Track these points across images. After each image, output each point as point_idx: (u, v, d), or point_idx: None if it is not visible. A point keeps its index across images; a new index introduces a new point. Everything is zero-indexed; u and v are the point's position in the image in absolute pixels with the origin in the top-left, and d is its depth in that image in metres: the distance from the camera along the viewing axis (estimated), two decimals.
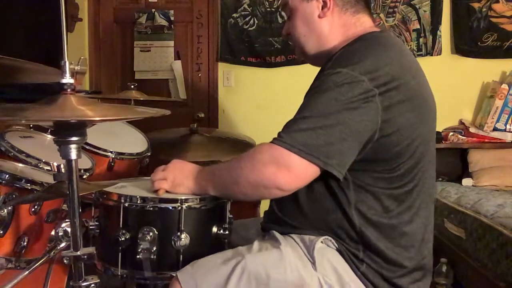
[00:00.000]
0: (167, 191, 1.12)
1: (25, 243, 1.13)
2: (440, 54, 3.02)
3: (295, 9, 1.16)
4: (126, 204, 1.08)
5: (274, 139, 0.98)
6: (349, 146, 0.95)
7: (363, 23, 1.13)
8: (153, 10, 3.11)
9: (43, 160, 1.30)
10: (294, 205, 1.08)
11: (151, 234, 1.04)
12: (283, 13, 2.94)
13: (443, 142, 2.87)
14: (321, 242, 1.04)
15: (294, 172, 0.96)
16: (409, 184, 1.04)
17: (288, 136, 0.95)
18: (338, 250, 1.04)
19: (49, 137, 1.51)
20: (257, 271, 0.98)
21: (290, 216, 1.10)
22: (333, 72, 0.97)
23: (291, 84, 2.95)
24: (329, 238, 1.05)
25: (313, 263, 1.01)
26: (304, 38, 1.16)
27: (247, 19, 3.06)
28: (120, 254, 1.07)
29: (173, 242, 1.05)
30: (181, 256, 1.07)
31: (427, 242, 1.10)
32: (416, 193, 1.05)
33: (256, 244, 1.06)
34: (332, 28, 1.13)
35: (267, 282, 0.98)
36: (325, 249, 1.04)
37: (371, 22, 1.15)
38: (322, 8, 1.12)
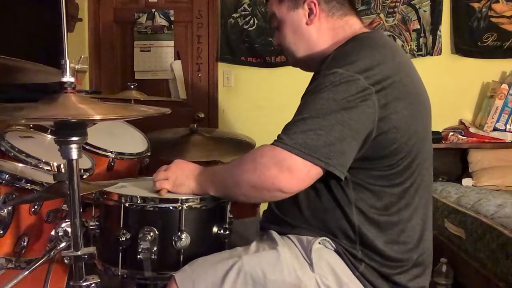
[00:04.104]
0: (169, 191, 1.12)
1: (25, 243, 1.13)
2: (440, 54, 3.01)
3: (283, 19, 1.18)
4: (127, 204, 1.08)
5: (275, 141, 0.98)
6: (349, 145, 0.96)
7: (352, 25, 1.15)
8: (153, 10, 3.11)
9: (43, 160, 1.30)
10: (293, 204, 1.08)
11: (151, 234, 1.04)
12: None
13: (443, 142, 2.87)
14: (319, 243, 1.04)
15: (297, 174, 0.95)
16: (407, 181, 1.04)
17: (289, 138, 0.95)
18: (336, 251, 1.04)
19: (49, 137, 1.51)
20: (254, 272, 0.98)
21: (289, 215, 1.10)
22: (328, 72, 0.98)
23: (291, 84, 2.93)
24: (327, 239, 1.05)
25: (311, 264, 1.01)
26: (294, 46, 1.18)
27: (247, 19, 3.06)
28: (120, 254, 1.07)
29: (173, 242, 1.05)
30: (181, 256, 1.07)
31: (426, 238, 1.10)
32: (415, 190, 1.06)
33: (253, 245, 1.06)
34: (320, 33, 1.14)
35: (264, 283, 0.98)
36: (323, 250, 1.04)
37: (360, 23, 1.17)
38: (309, 15, 1.14)
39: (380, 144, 0.99)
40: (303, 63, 1.22)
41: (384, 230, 1.03)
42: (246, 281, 0.98)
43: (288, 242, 1.06)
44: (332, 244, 1.04)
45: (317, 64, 1.08)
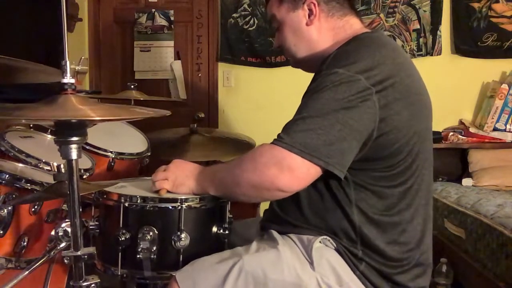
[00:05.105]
0: (168, 191, 1.12)
1: (25, 243, 1.13)
2: (440, 54, 3.02)
3: (283, 20, 1.18)
4: (126, 204, 1.08)
5: (275, 140, 0.98)
6: (349, 145, 0.96)
7: (353, 25, 1.15)
8: (153, 10, 3.11)
9: (43, 160, 1.30)
10: (294, 204, 1.08)
11: (151, 233, 1.04)
12: None
13: (443, 142, 2.87)
14: (320, 242, 1.04)
15: (296, 173, 0.95)
16: (408, 182, 1.05)
17: (289, 137, 0.95)
18: (337, 250, 1.04)
19: (49, 137, 1.51)
20: (254, 271, 0.98)
21: (290, 214, 1.10)
22: (329, 72, 0.98)
23: (291, 84, 2.93)
24: (328, 238, 1.05)
25: (311, 263, 1.01)
26: (295, 47, 1.19)
27: (247, 19, 3.06)
28: (120, 253, 1.08)
29: (173, 242, 1.05)
30: (181, 256, 1.07)
31: (426, 238, 1.10)
32: (415, 190, 1.06)
33: (254, 245, 1.06)
34: (321, 34, 1.15)
35: (265, 282, 0.98)
36: (324, 249, 1.04)
37: (360, 23, 1.17)
38: (309, 16, 1.14)
39: (381, 145, 0.99)
40: (304, 64, 1.22)
41: (385, 230, 1.04)
42: (247, 280, 0.98)
43: (289, 241, 1.07)
44: (333, 243, 1.04)
45: (318, 64, 1.08)
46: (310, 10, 1.14)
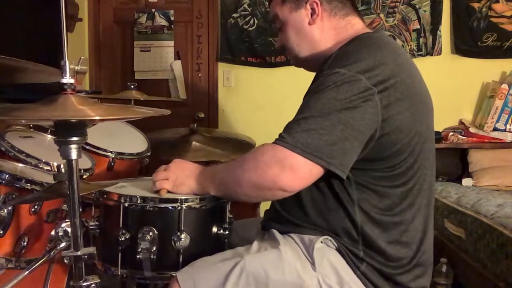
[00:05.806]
0: (168, 191, 1.12)
1: (25, 243, 1.13)
2: (440, 54, 3.02)
3: (285, 20, 1.18)
4: (126, 204, 1.08)
5: (276, 140, 0.98)
6: (351, 145, 0.96)
7: (354, 25, 1.15)
8: (153, 10, 3.11)
9: (43, 160, 1.30)
10: (297, 203, 1.08)
11: (151, 234, 1.04)
12: None
13: (443, 142, 2.87)
14: (321, 242, 1.04)
15: (298, 173, 0.95)
16: (410, 182, 1.05)
17: (290, 137, 0.95)
18: (338, 250, 1.05)
19: (49, 137, 1.51)
20: (256, 272, 0.98)
21: (292, 214, 1.10)
22: (331, 72, 0.98)
23: (291, 84, 2.94)
24: (329, 238, 1.05)
25: (312, 263, 1.01)
26: (297, 46, 1.19)
27: (247, 19, 3.06)
28: (120, 254, 1.07)
29: (173, 242, 1.05)
30: (181, 256, 1.07)
31: (428, 238, 1.11)
32: (417, 190, 1.06)
33: (255, 245, 1.06)
34: (323, 33, 1.15)
35: (266, 283, 0.98)
36: (325, 249, 1.04)
37: (362, 23, 1.18)
38: (311, 15, 1.15)
39: (383, 145, 0.99)
40: (306, 63, 1.22)
41: (386, 230, 1.04)
42: (248, 281, 0.98)
43: (290, 241, 1.07)
44: (334, 243, 1.05)
45: (320, 64, 1.08)
46: (313, 9, 1.14)
